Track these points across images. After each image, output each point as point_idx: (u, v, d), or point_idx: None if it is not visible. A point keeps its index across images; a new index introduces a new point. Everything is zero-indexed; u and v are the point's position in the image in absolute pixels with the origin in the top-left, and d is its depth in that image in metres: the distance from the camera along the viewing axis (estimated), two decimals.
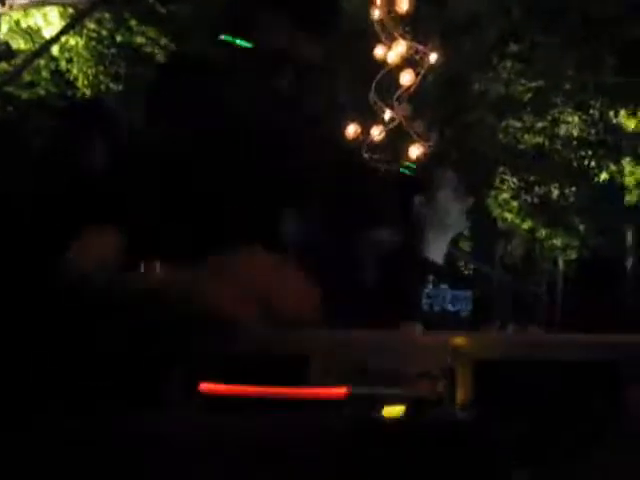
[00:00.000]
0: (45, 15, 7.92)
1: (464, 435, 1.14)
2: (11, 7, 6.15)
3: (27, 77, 8.32)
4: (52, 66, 8.82)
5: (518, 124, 10.72)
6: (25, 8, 6.84)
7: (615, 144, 10.80)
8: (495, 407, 1.23)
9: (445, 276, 9.03)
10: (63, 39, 8.18)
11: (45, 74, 8.77)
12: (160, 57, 9.05)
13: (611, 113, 10.64)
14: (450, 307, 9.68)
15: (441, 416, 1.19)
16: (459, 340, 1.33)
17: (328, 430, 1.06)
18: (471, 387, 1.28)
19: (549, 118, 10.72)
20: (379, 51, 5.67)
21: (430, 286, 9.54)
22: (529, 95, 10.49)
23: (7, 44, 8.19)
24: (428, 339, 1.50)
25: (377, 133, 5.70)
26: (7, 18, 7.02)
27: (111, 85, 8.90)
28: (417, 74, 5.66)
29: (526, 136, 10.78)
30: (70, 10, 7.63)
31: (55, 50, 8.40)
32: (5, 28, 6.94)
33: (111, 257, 7.23)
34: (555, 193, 11.07)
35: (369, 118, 5.88)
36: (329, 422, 1.08)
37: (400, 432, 1.10)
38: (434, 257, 8.79)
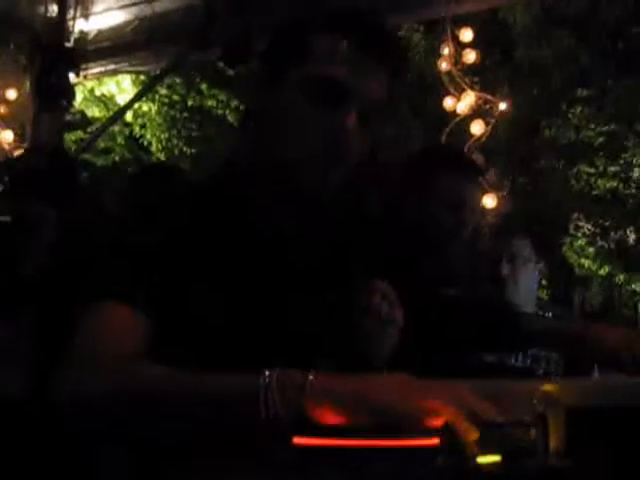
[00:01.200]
0: (118, 83, 8.11)
1: None
2: (85, 77, 6.29)
3: (102, 144, 8.51)
4: (126, 132, 9.04)
5: (591, 169, 10.64)
6: (99, 77, 7.01)
7: None
8: (589, 455, 1.21)
9: None
10: (136, 105, 8.37)
11: (120, 140, 8.97)
12: (231, 118, 9.21)
13: None
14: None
15: (536, 464, 1.17)
16: (550, 387, 1.31)
17: (423, 479, 1.05)
18: (564, 434, 1.27)
19: (622, 162, 10.62)
20: (448, 102, 5.69)
21: None
22: (600, 139, 10.41)
23: (82, 112, 8.41)
24: (519, 386, 1.48)
25: None
26: (82, 87, 7.18)
27: (184, 148, 9.07)
28: (487, 123, 5.67)
29: (599, 181, 10.69)
30: (142, 77, 7.80)
31: (129, 116, 8.60)
32: (80, 97, 7.10)
33: None
34: (632, 237, 10.94)
35: None
36: (423, 473, 1.07)
37: None
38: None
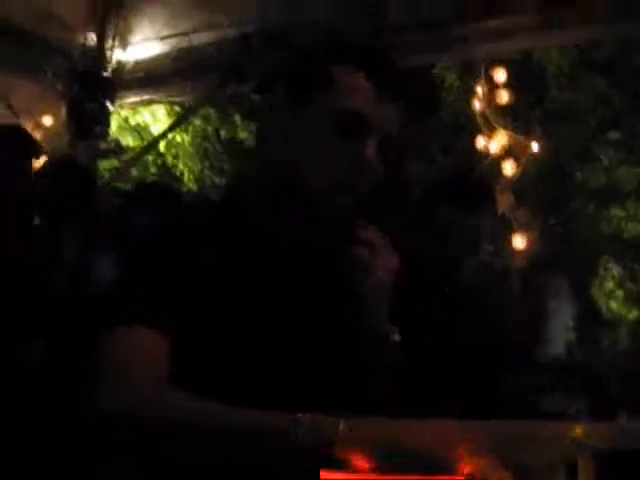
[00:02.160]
0: (153, 112, 8.18)
1: None
2: (121, 106, 6.36)
3: (135, 172, 8.58)
4: (159, 162, 9.08)
5: (621, 212, 10.59)
6: (134, 107, 7.07)
7: None
8: None
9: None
10: (170, 136, 8.42)
11: (152, 169, 9.02)
12: None
13: None
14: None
15: None
16: (578, 430, 1.29)
17: None
18: (594, 478, 1.24)
19: None
20: (481, 141, 5.72)
21: None
22: (632, 183, 10.38)
23: (117, 141, 8.47)
24: (548, 429, 1.46)
25: None
26: (116, 116, 7.26)
27: (216, 180, 9.10)
28: (518, 164, 5.68)
29: (629, 224, 10.63)
30: (177, 108, 7.86)
31: (162, 146, 8.65)
32: (115, 126, 7.18)
33: None
34: None
35: None
36: None
37: None
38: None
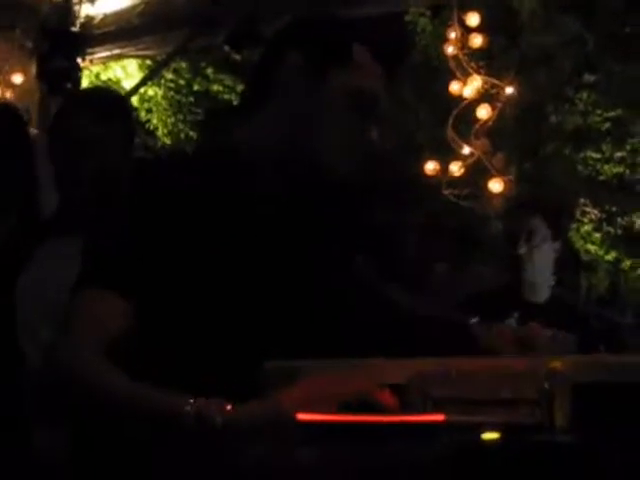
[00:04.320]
0: (124, 67, 8.11)
1: (568, 459, 1.11)
2: (91, 61, 6.29)
3: None
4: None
5: (597, 155, 10.60)
6: (104, 61, 7.00)
7: None
8: (595, 431, 1.20)
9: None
10: (142, 90, 8.36)
11: None
12: (237, 103, 9.18)
13: None
14: None
15: (540, 440, 1.15)
16: (555, 363, 1.29)
17: (428, 456, 1.04)
18: (570, 412, 1.25)
19: (628, 147, 10.58)
20: (455, 87, 5.69)
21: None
22: (607, 125, 10.38)
23: None
24: (523, 363, 1.47)
25: (456, 169, 5.70)
26: (87, 72, 7.18)
27: (190, 133, 9.05)
28: (494, 108, 5.66)
29: (605, 167, 10.65)
30: (148, 62, 7.79)
31: (135, 101, 8.59)
32: (86, 82, 7.10)
33: None
34: (638, 223, 10.91)
35: (447, 154, 5.89)
36: (428, 449, 1.06)
37: (501, 457, 1.08)
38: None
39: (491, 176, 5.65)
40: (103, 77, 8.30)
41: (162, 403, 1.42)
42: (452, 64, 5.64)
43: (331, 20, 1.85)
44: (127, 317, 1.58)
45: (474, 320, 1.87)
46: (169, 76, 8.90)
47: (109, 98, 3.10)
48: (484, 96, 5.67)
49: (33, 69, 6.09)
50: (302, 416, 1.21)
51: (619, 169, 10.65)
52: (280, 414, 1.27)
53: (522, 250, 3.93)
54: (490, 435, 1.18)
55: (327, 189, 1.76)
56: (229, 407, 1.34)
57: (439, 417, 1.19)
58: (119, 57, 6.84)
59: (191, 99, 9.08)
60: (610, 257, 11.06)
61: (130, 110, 3.77)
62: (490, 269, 5.73)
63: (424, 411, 1.26)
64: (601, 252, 11.03)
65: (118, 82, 8.30)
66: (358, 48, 1.72)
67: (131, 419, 1.46)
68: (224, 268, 1.61)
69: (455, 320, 1.92)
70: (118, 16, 6.03)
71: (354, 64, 1.71)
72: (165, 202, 1.63)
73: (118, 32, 6.08)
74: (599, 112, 10.24)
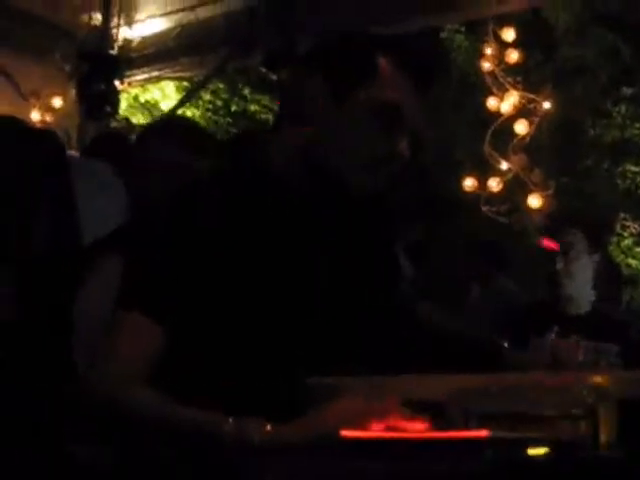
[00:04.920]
0: (162, 89, 8.17)
1: (613, 475, 1.10)
2: (129, 84, 6.35)
3: None
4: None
5: (636, 168, 10.53)
6: (143, 84, 7.06)
7: None
8: None
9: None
10: (180, 111, 8.42)
11: None
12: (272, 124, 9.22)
13: None
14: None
15: (585, 456, 1.14)
16: (600, 379, 1.27)
17: (473, 472, 1.04)
18: (615, 427, 1.23)
19: None
20: (491, 102, 5.68)
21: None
22: None
23: (127, 119, 8.47)
24: (569, 378, 1.45)
25: (494, 185, 5.68)
26: (126, 95, 7.25)
27: None
28: (531, 123, 5.64)
29: None
30: (185, 83, 7.85)
31: None
32: (124, 104, 7.17)
33: None
34: None
35: (485, 171, 5.87)
36: (473, 465, 1.06)
37: (547, 473, 1.07)
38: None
39: (530, 191, 5.62)
40: (141, 99, 8.37)
41: (202, 422, 1.44)
42: (488, 80, 5.62)
43: (354, 37, 1.83)
44: (161, 340, 1.60)
45: (505, 344, 1.87)
46: (207, 97, 8.96)
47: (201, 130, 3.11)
48: (521, 111, 5.64)
49: (72, 92, 6.16)
50: (346, 433, 1.21)
51: None
52: (324, 431, 1.27)
53: (560, 265, 3.91)
54: (536, 451, 1.18)
55: (356, 205, 1.76)
56: (268, 427, 1.35)
57: (483, 433, 1.19)
58: (157, 79, 6.90)
59: (229, 119, 9.14)
60: None
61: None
62: (515, 283, 5.70)
63: (466, 427, 1.25)
64: None
65: (156, 104, 8.36)
66: (383, 60, 1.71)
67: (171, 438, 1.47)
68: (263, 285, 1.62)
69: (489, 341, 1.92)
70: (155, 39, 6.08)
71: (377, 78, 1.71)
72: (202, 222, 1.65)
73: (156, 55, 6.13)
74: (638, 125, 10.18)
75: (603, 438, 1.26)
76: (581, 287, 3.97)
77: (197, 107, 8.93)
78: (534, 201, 5.61)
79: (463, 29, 8.53)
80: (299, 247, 1.70)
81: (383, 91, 1.70)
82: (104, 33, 6.14)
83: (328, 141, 1.72)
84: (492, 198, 5.79)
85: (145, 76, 6.42)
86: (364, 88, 1.71)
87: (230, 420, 1.39)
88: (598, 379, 1.28)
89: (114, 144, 4.15)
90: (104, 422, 1.59)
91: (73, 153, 5.10)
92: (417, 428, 1.27)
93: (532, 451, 1.18)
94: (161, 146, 2.64)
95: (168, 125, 3.06)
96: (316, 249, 1.73)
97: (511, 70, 5.68)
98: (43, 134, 3.37)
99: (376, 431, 1.24)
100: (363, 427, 1.27)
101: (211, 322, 1.60)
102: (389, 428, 1.27)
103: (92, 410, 1.60)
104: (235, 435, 1.37)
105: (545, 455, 1.19)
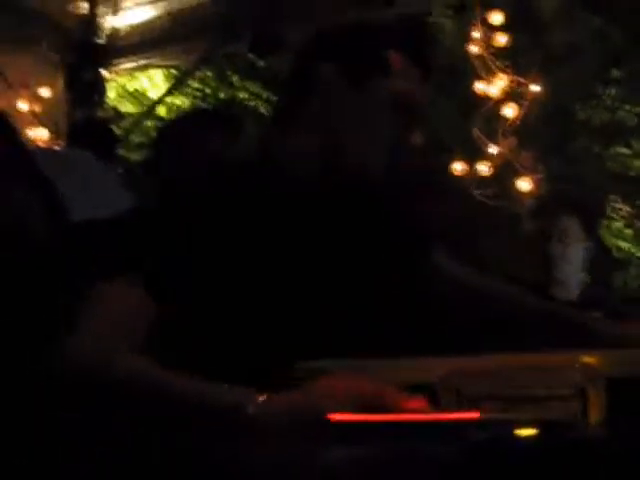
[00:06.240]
0: (150, 78, 8.15)
1: (602, 454, 1.10)
2: (117, 72, 6.34)
3: (136, 139, 8.55)
4: (160, 126, 9.04)
5: (626, 150, 10.53)
6: (130, 72, 7.04)
7: None
8: (630, 426, 1.18)
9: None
10: (169, 99, 8.39)
11: (153, 135, 8.98)
12: (263, 109, 9.20)
13: None
14: None
15: (574, 436, 1.14)
16: (589, 358, 1.27)
17: (463, 454, 1.03)
18: (604, 406, 1.23)
19: None
20: (480, 86, 5.68)
21: None
22: (636, 120, 10.31)
23: (115, 108, 8.44)
24: (556, 358, 1.45)
25: (485, 169, 5.69)
26: (114, 84, 7.23)
27: None
28: (520, 106, 5.64)
29: (635, 162, 10.57)
30: (174, 71, 7.83)
31: (162, 111, 8.61)
32: (113, 93, 7.15)
33: None
34: None
35: (475, 155, 5.87)
36: (461, 447, 1.06)
37: (536, 454, 1.07)
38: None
39: (520, 175, 5.63)
40: (129, 88, 8.34)
41: (200, 390, 1.42)
42: (477, 63, 5.62)
43: (361, 27, 1.84)
44: (151, 309, 1.55)
45: None
46: (195, 85, 8.93)
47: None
48: (510, 95, 5.65)
49: (60, 82, 6.14)
50: (333, 415, 1.21)
51: None
52: (312, 407, 1.26)
53: (553, 249, 3.92)
54: (525, 432, 1.18)
55: (371, 195, 1.78)
56: (261, 398, 1.33)
57: (474, 415, 1.19)
58: (145, 67, 6.89)
59: None
60: None
61: None
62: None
63: (458, 409, 1.26)
64: (633, 249, 10.95)
65: (145, 93, 8.33)
66: (394, 53, 1.74)
67: (165, 407, 1.44)
68: (268, 269, 1.62)
69: None
70: (143, 27, 6.07)
71: (392, 71, 1.74)
72: (207, 207, 1.65)
73: (143, 43, 6.12)
74: (627, 107, 10.17)
75: (593, 418, 1.26)
76: (573, 271, 3.98)
77: (186, 95, 8.89)
78: (524, 184, 5.62)
79: (451, 12, 8.51)
80: (309, 238, 1.70)
81: (397, 83, 1.74)
82: (91, 22, 6.12)
83: (344, 133, 1.74)
84: (482, 182, 5.80)
85: (133, 64, 6.42)
86: (379, 78, 1.74)
87: (226, 386, 1.38)
88: (587, 358, 1.28)
89: (99, 132, 4.14)
90: (93, 389, 1.52)
91: (56, 147, 5.10)
92: (415, 406, 1.27)
93: (522, 432, 1.19)
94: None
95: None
96: (323, 240, 1.72)
97: (499, 54, 5.68)
98: None
99: (365, 415, 1.23)
100: (358, 404, 1.27)
101: (208, 292, 1.58)
102: (387, 406, 1.26)
103: (81, 376, 1.52)
104: (231, 403, 1.35)
105: (535, 436, 1.19)
